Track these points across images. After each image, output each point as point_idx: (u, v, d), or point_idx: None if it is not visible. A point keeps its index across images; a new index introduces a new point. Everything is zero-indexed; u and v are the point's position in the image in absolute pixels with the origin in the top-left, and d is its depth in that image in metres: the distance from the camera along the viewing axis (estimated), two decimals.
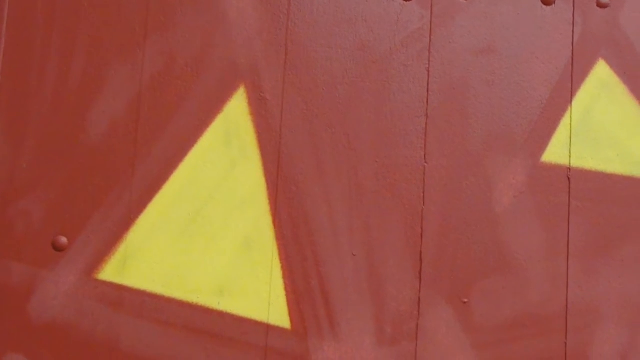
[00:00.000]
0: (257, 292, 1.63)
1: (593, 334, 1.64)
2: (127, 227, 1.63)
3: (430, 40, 1.68)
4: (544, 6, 1.70)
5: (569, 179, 1.67)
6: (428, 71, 1.68)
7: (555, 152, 1.67)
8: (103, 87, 1.65)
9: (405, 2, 1.69)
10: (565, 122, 1.68)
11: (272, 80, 1.67)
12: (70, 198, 1.63)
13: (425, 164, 1.66)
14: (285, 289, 1.63)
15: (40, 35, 1.66)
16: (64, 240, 1.61)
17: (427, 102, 1.67)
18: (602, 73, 1.69)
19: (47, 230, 1.61)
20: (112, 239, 1.62)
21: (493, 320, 1.63)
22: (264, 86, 1.67)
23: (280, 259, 1.64)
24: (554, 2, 1.69)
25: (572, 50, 1.70)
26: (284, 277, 1.64)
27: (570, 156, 1.67)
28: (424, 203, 1.65)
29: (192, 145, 1.65)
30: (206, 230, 1.64)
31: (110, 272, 1.61)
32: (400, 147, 1.67)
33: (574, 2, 1.69)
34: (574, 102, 1.68)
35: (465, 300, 1.63)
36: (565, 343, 1.63)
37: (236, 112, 1.66)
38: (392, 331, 1.63)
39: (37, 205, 1.61)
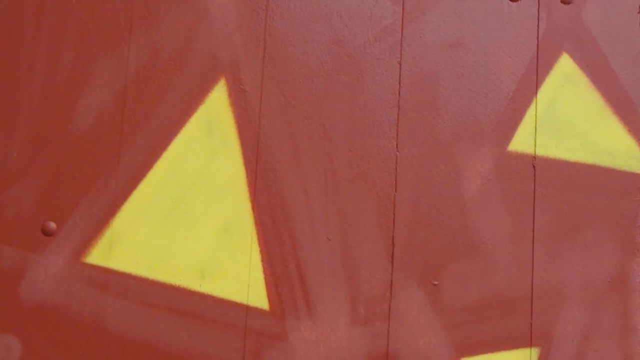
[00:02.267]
0: (237, 275, 1.69)
1: (557, 314, 1.71)
2: (113, 213, 1.69)
3: (402, 35, 1.76)
4: (510, 2, 1.77)
5: (534, 167, 1.74)
6: (400, 64, 1.75)
7: (521, 142, 1.74)
8: (90, 79, 1.72)
9: None
10: (530, 112, 1.75)
11: (251, 73, 1.75)
12: (58, 185, 1.68)
13: (397, 153, 1.74)
14: (264, 272, 1.70)
15: (30, 31, 1.73)
16: (52, 225, 1.66)
17: (399, 93, 1.75)
18: (565, 66, 1.76)
19: (36, 216, 1.66)
20: (99, 224, 1.67)
21: (462, 302, 1.70)
22: (244, 79, 1.74)
23: (259, 244, 1.69)
24: None
25: (537, 45, 1.77)
26: (263, 260, 1.70)
27: (535, 145, 1.74)
28: (396, 190, 1.73)
29: (175, 135, 1.72)
30: (188, 216, 1.70)
31: (97, 255, 1.66)
32: (374, 136, 1.74)
33: None
34: (539, 94, 1.76)
35: (436, 282, 1.71)
36: (531, 323, 1.70)
37: (217, 103, 1.73)
38: (366, 312, 1.69)
39: (27, 192, 1.67)
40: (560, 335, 1.70)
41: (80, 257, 1.67)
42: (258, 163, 1.72)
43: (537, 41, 1.77)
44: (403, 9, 1.76)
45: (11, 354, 1.62)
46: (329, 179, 1.72)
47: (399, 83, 1.74)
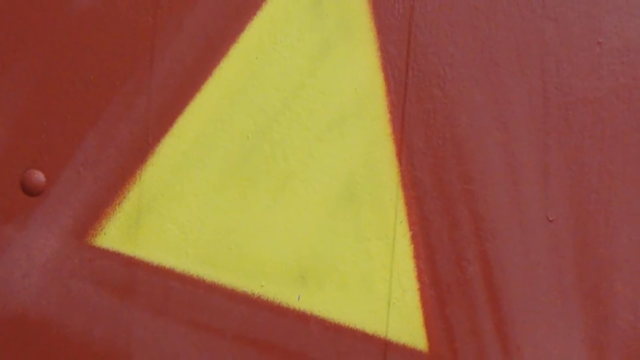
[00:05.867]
0: (366, 280, 0.95)
1: None
2: (143, 159, 0.97)
3: None
4: None
5: None
6: None
7: None
8: None
9: None
10: None
11: None
12: (48, 109, 0.97)
13: None
14: (419, 278, 0.94)
15: None
16: (39, 177, 0.99)
17: None
18: None
19: (12, 162, 0.98)
20: (118, 178, 0.97)
21: None
22: None
23: (410, 223, 0.94)
24: None
25: None
26: (416, 255, 0.94)
27: None
28: None
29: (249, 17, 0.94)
30: (274, 167, 0.95)
31: (115, 234, 0.98)
32: None
33: None
34: None
35: None
36: None
37: None
38: None
39: None
40: None
41: (86, 236, 0.98)
42: (409, 67, 0.92)
43: None
44: None
45: None
46: (549, 97, 0.89)
47: None
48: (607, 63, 0.92)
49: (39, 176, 1.00)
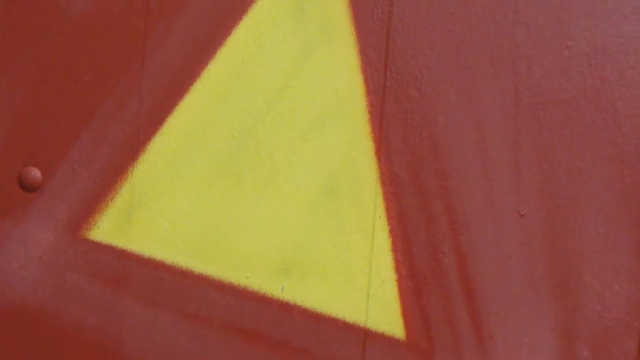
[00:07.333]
0: (346, 273, 0.98)
1: None
2: (134, 157, 0.99)
3: None
4: None
5: None
6: None
7: None
8: None
9: None
10: None
11: None
12: (44, 109, 1.00)
13: None
14: (397, 270, 0.97)
15: None
16: (36, 174, 1.01)
17: None
18: None
19: (11, 159, 1.01)
20: (111, 175, 1.00)
21: None
22: None
23: (388, 217, 0.96)
24: None
25: None
26: (395, 249, 0.97)
27: None
28: None
29: (236, 20, 0.95)
30: (260, 163, 0.97)
31: (108, 228, 1.00)
32: None
33: None
34: None
35: None
36: None
37: None
38: (591, 356, 0.92)
39: None
40: None
41: (80, 230, 1.01)
42: (388, 70, 0.95)
43: None
44: None
45: None
46: (521, 98, 0.93)
47: None
48: (575, 65, 0.95)
49: (36, 173, 1.02)
